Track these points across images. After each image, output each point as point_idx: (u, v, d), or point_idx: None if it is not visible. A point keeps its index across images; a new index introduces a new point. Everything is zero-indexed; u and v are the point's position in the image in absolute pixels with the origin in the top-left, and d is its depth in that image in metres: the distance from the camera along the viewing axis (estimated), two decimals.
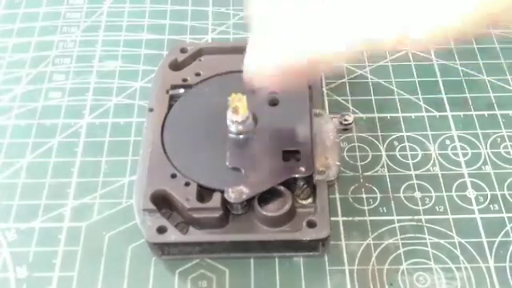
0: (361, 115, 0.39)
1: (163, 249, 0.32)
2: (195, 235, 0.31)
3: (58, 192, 0.36)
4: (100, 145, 0.38)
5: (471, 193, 0.35)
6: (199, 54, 0.38)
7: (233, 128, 0.33)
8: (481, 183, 0.36)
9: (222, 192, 0.31)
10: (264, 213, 0.31)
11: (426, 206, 0.35)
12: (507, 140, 0.38)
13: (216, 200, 0.31)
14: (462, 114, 0.39)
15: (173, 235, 0.30)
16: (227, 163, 0.32)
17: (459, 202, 0.35)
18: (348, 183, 0.36)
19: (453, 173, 0.36)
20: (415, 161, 0.37)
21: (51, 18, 0.46)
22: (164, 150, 0.33)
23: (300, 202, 0.32)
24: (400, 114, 0.39)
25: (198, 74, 0.37)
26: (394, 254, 0.33)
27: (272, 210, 0.31)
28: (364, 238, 0.33)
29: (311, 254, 0.32)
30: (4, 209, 0.35)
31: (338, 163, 0.33)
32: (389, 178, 0.36)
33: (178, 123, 0.35)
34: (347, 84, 0.41)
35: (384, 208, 0.35)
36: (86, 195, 0.35)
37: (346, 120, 0.35)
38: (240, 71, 0.36)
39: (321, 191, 0.32)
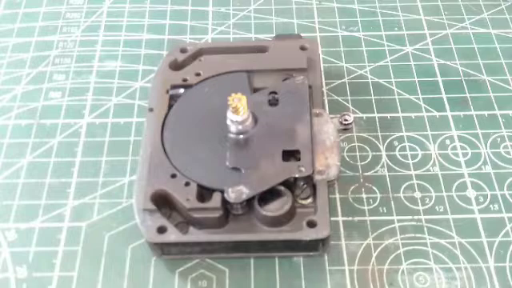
0: (361, 115, 0.39)
1: (163, 249, 0.32)
2: (195, 235, 0.31)
3: (58, 192, 0.36)
4: (100, 145, 0.38)
5: (471, 193, 0.35)
6: (199, 53, 0.38)
7: (233, 128, 0.33)
8: (481, 183, 0.36)
9: (222, 192, 0.31)
10: (264, 213, 0.31)
11: (426, 206, 0.35)
12: (507, 140, 0.38)
13: (216, 200, 0.31)
14: (461, 114, 0.39)
15: (173, 235, 0.30)
16: (227, 163, 0.32)
17: (459, 202, 0.35)
18: (348, 183, 0.36)
19: (453, 173, 0.36)
20: (415, 161, 0.37)
21: (51, 18, 0.46)
22: (164, 149, 0.33)
23: (300, 201, 0.32)
24: (400, 114, 0.39)
25: (198, 74, 0.37)
26: (394, 254, 0.33)
27: (272, 209, 0.31)
28: (364, 238, 0.33)
29: (311, 253, 0.32)
30: (4, 209, 0.35)
31: (338, 163, 0.32)
32: (389, 178, 0.36)
33: (178, 123, 0.35)
34: (347, 84, 0.41)
35: (384, 208, 0.35)
36: (86, 195, 0.35)
37: (346, 120, 0.35)
38: (240, 71, 0.37)
39: (321, 191, 0.32)
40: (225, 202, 0.31)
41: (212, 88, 0.36)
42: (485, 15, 0.45)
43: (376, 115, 0.39)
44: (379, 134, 0.38)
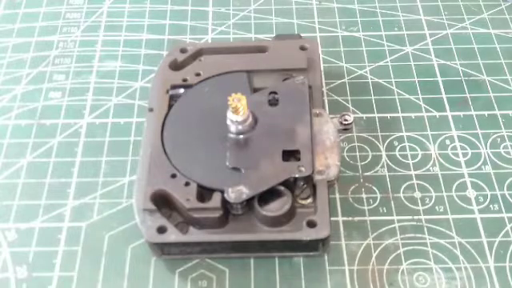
0: (361, 115, 0.39)
1: (163, 249, 0.32)
2: (195, 235, 0.31)
3: (58, 192, 0.36)
4: (100, 145, 0.38)
5: (471, 193, 0.35)
6: (199, 53, 0.38)
7: (233, 128, 0.33)
8: (481, 183, 0.36)
9: (222, 192, 0.31)
10: (264, 213, 0.31)
11: (426, 206, 0.35)
12: (507, 140, 0.38)
13: (216, 200, 0.31)
14: (461, 114, 0.39)
15: (173, 235, 0.30)
16: (227, 163, 0.32)
17: (459, 202, 0.35)
18: (348, 183, 0.36)
19: (453, 173, 0.36)
20: (415, 161, 0.37)
21: (51, 18, 0.46)
22: (164, 150, 0.33)
23: (300, 201, 0.32)
24: (400, 114, 0.39)
25: (198, 74, 0.37)
26: (394, 254, 0.33)
27: (272, 209, 0.31)
28: (364, 238, 0.33)
29: (311, 253, 0.32)
30: (4, 209, 0.35)
31: (338, 163, 0.32)
32: (389, 178, 0.36)
33: (178, 123, 0.35)
34: (347, 84, 0.41)
35: (384, 208, 0.35)
36: (86, 195, 0.35)
37: (345, 120, 0.35)
38: (240, 71, 0.37)
39: (321, 191, 0.32)
40: (225, 202, 0.31)
41: (212, 88, 0.36)
42: (485, 15, 0.45)
43: (376, 115, 0.39)
44: (379, 133, 0.38)
